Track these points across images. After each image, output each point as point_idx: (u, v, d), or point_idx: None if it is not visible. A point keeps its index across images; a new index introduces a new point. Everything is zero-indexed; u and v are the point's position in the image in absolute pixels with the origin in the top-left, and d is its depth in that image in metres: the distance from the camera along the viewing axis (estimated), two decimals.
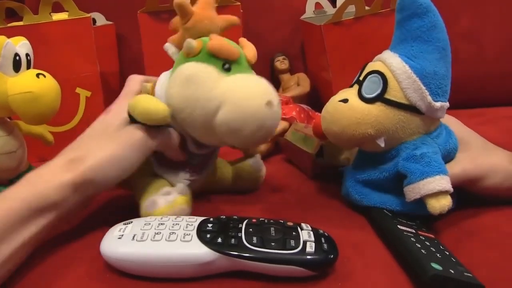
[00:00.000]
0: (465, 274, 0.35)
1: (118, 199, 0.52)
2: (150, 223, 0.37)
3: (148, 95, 0.44)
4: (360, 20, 0.74)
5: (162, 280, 0.36)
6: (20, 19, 0.71)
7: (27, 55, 0.53)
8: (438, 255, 0.37)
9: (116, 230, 0.37)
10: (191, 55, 0.43)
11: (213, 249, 0.34)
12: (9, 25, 0.71)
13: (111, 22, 0.86)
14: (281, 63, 0.83)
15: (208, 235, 0.35)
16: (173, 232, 0.35)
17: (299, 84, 0.79)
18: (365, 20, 0.74)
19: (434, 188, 0.39)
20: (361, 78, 0.44)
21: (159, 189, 0.44)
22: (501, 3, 0.86)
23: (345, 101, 0.43)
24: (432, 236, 0.41)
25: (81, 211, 0.43)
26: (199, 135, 0.44)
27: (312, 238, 0.36)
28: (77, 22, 0.71)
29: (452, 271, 0.34)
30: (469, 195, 0.45)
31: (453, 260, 0.37)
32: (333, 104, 0.45)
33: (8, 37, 0.53)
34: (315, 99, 0.79)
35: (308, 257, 0.35)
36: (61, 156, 0.42)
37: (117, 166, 0.41)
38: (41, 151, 0.69)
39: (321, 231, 0.38)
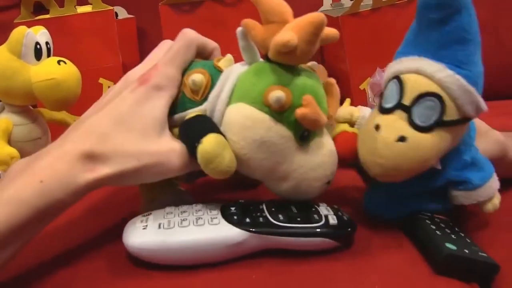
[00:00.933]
0: (480, 254, 0.35)
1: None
2: (171, 212, 0.37)
3: (225, 141, 0.35)
4: (377, 11, 0.74)
5: (192, 267, 0.35)
6: (47, 12, 0.73)
7: (46, 43, 0.55)
8: (453, 236, 0.37)
9: (137, 221, 0.36)
10: (277, 110, 0.35)
11: (244, 229, 0.35)
12: (36, 18, 0.73)
13: (132, 16, 0.88)
14: None
15: (235, 217, 0.36)
16: (199, 217, 0.35)
17: None
18: (382, 11, 0.74)
19: (491, 193, 0.39)
20: (406, 103, 0.36)
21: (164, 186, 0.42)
22: None
23: (402, 139, 0.36)
24: (447, 218, 0.41)
25: None
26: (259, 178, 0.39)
27: (332, 212, 0.37)
28: (100, 15, 0.73)
29: (467, 251, 0.35)
30: None
31: (467, 241, 0.37)
32: (388, 147, 0.36)
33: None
34: None
35: (332, 228, 0.36)
36: (79, 145, 0.34)
37: (138, 179, 0.36)
38: None
39: (336, 206, 0.40)
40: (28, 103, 0.56)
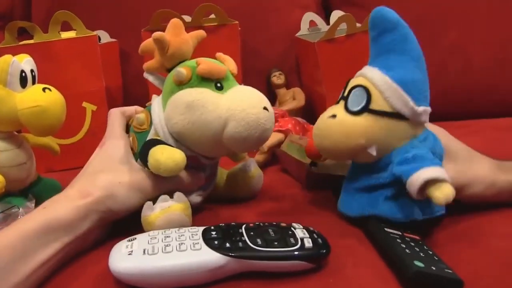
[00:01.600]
0: (446, 270, 0.37)
1: None
2: (155, 237, 0.39)
3: (163, 146, 0.46)
4: (352, 37, 0.78)
5: None
6: (31, 37, 0.75)
7: (31, 71, 0.56)
8: (421, 254, 0.39)
9: (122, 247, 0.38)
10: (183, 83, 0.46)
11: (224, 253, 0.36)
12: (20, 43, 0.74)
13: (114, 40, 0.89)
14: (278, 78, 0.86)
15: (216, 242, 0.37)
16: (182, 243, 0.37)
17: (294, 98, 0.82)
18: (356, 37, 0.77)
19: (432, 174, 0.40)
20: (345, 94, 0.47)
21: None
22: (488, 17, 0.90)
23: (333, 116, 0.46)
24: (418, 237, 0.43)
25: (99, 238, 0.46)
26: (208, 151, 0.49)
27: (307, 235, 0.40)
28: (84, 40, 0.75)
29: (434, 268, 0.37)
30: (457, 202, 0.46)
31: (435, 259, 0.39)
32: (323, 121, 0.47)
33: (18, 54, 0.56)
34: (310, 113, 0.83)
35: (308, 251, 0.38)
36: (73, 188, 0.45)
37: (123, 201, 0.45)
38: (48, 162, 0.72)
39: (311, 228, 0.42)
40: (13, 129, 0.57)
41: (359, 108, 0.45)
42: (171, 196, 0.47)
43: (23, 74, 0.54)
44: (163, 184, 0.47)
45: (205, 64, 0.46)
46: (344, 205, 0.50)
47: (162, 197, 0.46)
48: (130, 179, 0.46)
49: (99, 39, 0.86)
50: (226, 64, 0.50)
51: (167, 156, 0.44)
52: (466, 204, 0.48)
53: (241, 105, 0.45)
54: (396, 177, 0.44)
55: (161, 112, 0.48)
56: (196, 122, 0.46)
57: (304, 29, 0.87)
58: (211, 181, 0.54)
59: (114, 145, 0.49)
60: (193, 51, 0.51)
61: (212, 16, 0.78)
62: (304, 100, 0.82)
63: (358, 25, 0.78)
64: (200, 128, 0.46)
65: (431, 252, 0.41)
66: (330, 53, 0.76)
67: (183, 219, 0.45)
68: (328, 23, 0.88)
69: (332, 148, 0.47)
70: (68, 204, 0.42)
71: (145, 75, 0.52)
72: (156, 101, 0.50)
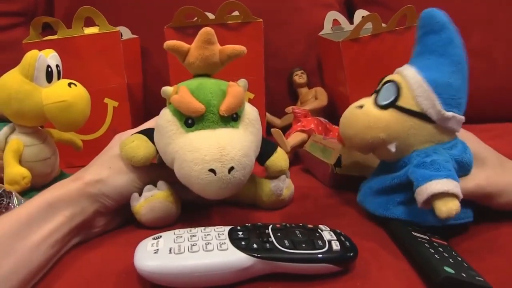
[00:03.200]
0: (477, 278, 0.37)
1: None
2: (181, 236, 0.38)
3: (132, 138, 0.48)
4: (377, 37, 0.76)
5: None
6: (55, 33, 0.75)
7: (57, 66, 0.56)
8: (450, 260, 0.39)
9: (148, 245, 0.38)
10: (168, 102, 0.46)
11: (251, 254, 0.36)
12: (44, 38, 0.75)
13: (136, 36, 0.89)
14: (300, 77, 0.86)
15: (243, 242, 0.37)
16: (208, 242, 0.37)
17: (316, 97, 0.82)
18: (382, 37, 0.76)
19: (442, 188, 0.40)
20: (378, 88, 0.47)
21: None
22: None
23: (360, 107, 0.47)
24: (446, 243, 0.43)
25: (108, 228, 0.48)
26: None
27: (334, 237, 0.39)
28: (106, 36, 0.75)
29: (464, 275, 0.36)
30: (487, 208, 0.46)
31: (465, 265, 0.39)
32: (350, 109, 0.48)
33: (42, 49, 0.56)
34: (332, 113, 0.82)
35: (335, 254, 0.38)
36: (72, 176, 0.48)
37: (112, 184, 0.47)
38: (70, 158, 0.73)
39: (338, 231, 0.41)
40: (38, 124, 0.58)
41: (386, 102, 0.45)
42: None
43: (49, 69, 0.55)
44: (153, 170, 0.49)
45: (180, 96, 0.44)
46: (363, 201, 0.50)
47: (147, 187, 0.48)
48: (119, 164, 0.48)
49: (121, 35, 0.87)
50: (224, 100, 0.44)
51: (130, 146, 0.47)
52: (496, 212, 0.47)
53: (187, 155, 0.42)
54: (409, 179, 0.43)
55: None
56: (158, 144, 0.46)
57: (327, 28, 0.86)
58: None
59: (118, 138, 0.52)
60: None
61: (236, 13, 0.77)
62: (326, 100, 0.81)
63: (383, 25, 0.77)
64: (160, 151, 0.46)
65: (460, 259, 0.40)
66: (355, 53, 0.75)
67: (167, 205, 0.47)
68: (351, 22, 0.87)
69: (353, 137, 0.47)
70: (63, 187, 0.45)
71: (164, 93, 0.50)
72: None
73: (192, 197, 0.47)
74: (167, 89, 0.46)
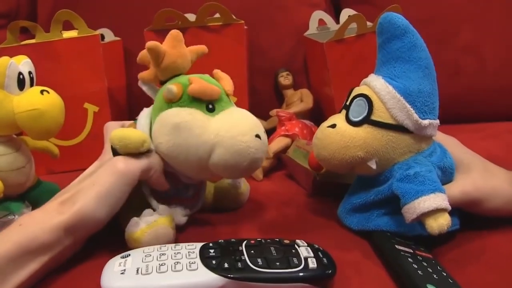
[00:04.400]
0: None
1: None
2: (150, 254, 0.37)
3: (129, 129, 0.45)
4: (362, 37, 0.75)
5: None
6: (33, 37, 0.73)
7: (29, 73, 0.55)
8: (435, 276, 0.37)
9: (115, 264, 0.36)
10: (173, 101, 0.44)
11: (222, 274, 0.35)
12: (22, 43, 0.73)
13: (118, 38, 0.88)
14: (285, 78, 0.84)
15: (214, 261, 0.36)
16: (177, 262, 0.36)
17: (302, 100, 0.80)
18: (367, 38, 0.74)
19: (430, 205, 0.39)
20: (348, 103, 0.45)
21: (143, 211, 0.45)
22: (502, 16, 0.87)
23: (333, 126, 0.44)
24: (430, 256, 0.41)
25: (74, 253, 0.43)
26: (194, 174, 0.47)
27: (311, 254, 0.38)
28: (86, 40, 0.73)
29: None
30: (473, 215, 0.45)
31: (450, 282, 0.37)
32: (322, 130, 0.46)
33: (20, 54, 0.55)
34: (318, 115, 0.80)
35: (312, 272, 0.36)
36: (54, 200, 0.43)
37: (105, 202, 0.41)
38: (49, 164, 0.71)
39: (316, 246, 0.40)
40: (11, 133, 0.56)
41: (359, 118, 0.43)
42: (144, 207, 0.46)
43: (21, 76, 0.53)
44: (137, 167, 0.44)
45: (197, 83, 0.44)
46: (344, 217, 0.48)
47: (147, 211, 0.45)
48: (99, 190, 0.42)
49: (103, 37, 0.85)
50: (222, 83, 0.47)
51: (134, 132, 0.44)
52: (484, 217, 0.46)
53: (231, 131, 0.43)
54: (394, 194, 0.42)
55: (146, 128, 0.46)
56: (181, 145, 0.43)
57: (313, 28, 0.84)
58: (197, 201, 0.51)
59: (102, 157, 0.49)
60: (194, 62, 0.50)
61: (217, 15, 0.76)
62: (312, 102, 0.79)
63: (369, 24, 0.75)
64: (185, 151, 0.43)
65: (445, 274, 0.38)
66: (339, 54, 0.74)
67: (170, 232, 0.44)
68: (338, 21, 0.85)
69: (330, 159, 0.44)
70: (46, 223, 0.39)
71: (140, 84, 0.49)
72: (144, 116, 0.47)
73: (181, 220, 0.48)
74: (173, 87, 0.43)
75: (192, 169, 0.45)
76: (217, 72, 0.49)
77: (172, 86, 0.43)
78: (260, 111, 0.83)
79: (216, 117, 0.44)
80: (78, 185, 0.44)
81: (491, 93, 0.87)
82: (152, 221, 0.43)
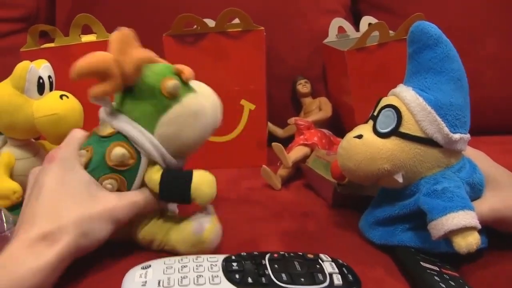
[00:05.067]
0: None
1: None
2: (171, 266, 0.36)
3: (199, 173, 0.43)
4: (384, 46, 0.73)
5: None
6: (52, 41, 0.73)
7: (49, 77, 0.55)
8: None
9: (136, 276, 0.35)
10: (177, 94, 0.42)
11: None
12: (41, 46, 0.73)
13: None
14: (303, 86, 0.83)
15: (237, 275, 0.35)
16: (200, 275, 0.34)
17: (321, 108, 0.79)
18: (389, 46, 0.73)
19: (459, 223, 0.37)
20: (375, 114, 0.44)
21: (189, 217, 0.44)
22: None
23: (359, 137, 0.43)
24: (457, 275, 0.40)
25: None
26: (195, 148, 0.45)
27: (336, 270, 0.36)
28: (104, 44, 0.72)
29: None
30: (503, 233, 0.44)
31: None
32: (347, 140, 0.44)
33: (40, 57, 0.55)
34: (337, 124, 0.79)
35: None
36: (30, 231, 0.37)
37: (92, 238, 0.39)
38: None
39: (341, 261, 0.38)
40: (30, 137, 0.56)
41: (387, 130, 0.42)
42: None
43: (41, 80, 0.53)
44: (135, 208, 0.42)
45: (183, 67, 0.43)
46: (367, 231, 0.47)
47: (198, 213, 0.44)
48: (100, 209, 0.40)
49: None
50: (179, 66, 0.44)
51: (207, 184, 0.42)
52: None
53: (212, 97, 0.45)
54: (420, 209, 0.41)
55: (150, 136, 0.42)
56: (200, 129, 0.44)
57: (332, 36, 0.83)
58: None
59: (72, 169, 0.41)
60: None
61: (236, 21, 0.75)
62: (331, 111, 0.78)
63: (391, 33, 0.74)
64: (202, 134, 0.44)
65: None
66: (361, 63, 0.72)
67: (220, 229, 0.44)
68: (357, 29, 0.84)
69: (355, 170, 0.43)
70: (34, 261, 0.35)
71: (93, 100, 0.43)
72: (133, 131, 0.42)
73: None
74: (176, 83, 0.42)
75: (199, 144, 0.45)
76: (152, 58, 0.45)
77: (173, 81, 0.41)
78: (277, 119, 0.83)
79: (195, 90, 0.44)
80: (55, 209, 0.39)
81: None
82: (212, 220, 0.43)
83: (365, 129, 0.44)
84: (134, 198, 0.42)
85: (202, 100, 0.44)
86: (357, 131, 0.44)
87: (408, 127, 0.41)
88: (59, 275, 0.37)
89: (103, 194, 0.41)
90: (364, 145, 0.42)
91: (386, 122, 0.42)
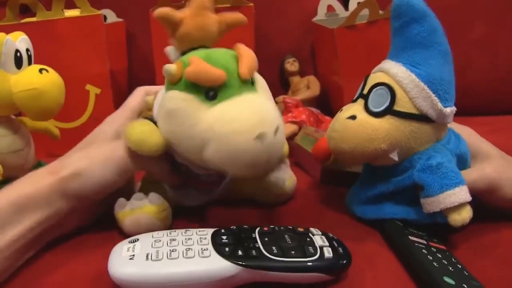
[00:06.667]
0: None
1: None
2: (160, 240, 0.35)
3: (145, 122, 0.40)
4: (374, 24, 0.73)
5: None
6: (33, 15, 0.71)
7: (27, 50, 0.52)
8: (450, 268, 0.36)
9: (123, 249, 0.35)
10: (173, 82, 0.38)
11: (235, 262, 0.33)
12: (22, 21, 0.71)
13: (121, 19, 0.85)
14: (291, 65, 0.82)
15: (227, 248, 0.34)
16: (189, 248, 0.34)
17: (309, 87, 0.78)
18: (379, 24, 0.73)
19: (455, 201, 0.38)
20: (365, 92, 0.43)
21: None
22: None
23: (353, 117, 0.42)
24: (444, 247, 0.40)
25: (78, 221, 0.43)
26: (197, 165, 0.41)
27: (327, 243, 0.36)
28: (88, 19, 0.71)
29: (466, 286, 0.34)
30: (488, 208, 0.44)
31: (465, 274, 0.36)
32: (340, 121, 0.43)
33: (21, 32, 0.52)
34: (325, 103, 0.79)
35: (327, 262, 0.34)
36: (48, 166, 0.42)
37: (92, 178, 0.40)
38: (49, 147, 0.69)
39: (331, 235, 0.38)
40: (9, 113, 0.54)
41: (381, 109, 0.41)
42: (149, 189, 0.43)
43: (18, 53, 0.51)
44: (143, 163, 0.42)
45: (196, 66, 0.37)
46: (355, 207, 0.47)
47: (137, 194, 0.42)
48: (103, 153, 0.41)
49: (105, 18, 0.82)
50: (240, 62, 0.38)
51: (149, 136, 0.39)
52: (499, 212, 0.44)
53: (226, 127, 0.36)
54: (415, 183, 0.41)
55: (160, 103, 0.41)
56: (174, 133, 0.39)
57: (321, 14, 0.82)
58: (216, 188, 0.45)
59: (107, 121, 0.46)
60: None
61: None
62: (319, 90, 0.77)
63: (380, 12, 0.73)
64: (177, 139, 0.39)
65: (460, 266, 0.37)
66: (350, 41, 0.72)
67: (154, 223, 0.41)
68: (347, 8, 0.83)
69: (350, 152, 0.42)
70: (37, 181, 0.40)
71: (168, 50, 0.43)
72: (162, 88, 0.42)
73: (194, 203, 0.45)
74: (170, 67, 0.38)
75: (194, 160, 0.40)
76: (239, 47, 0.40)
77: (171, 66, 0.38)
78: None
79: (216, 107, 0.37)
80: (73, 153, 0.44)
81: (502, 86, 0.86)
82: (136, 207, 0.41)
83: (356, 109, 0.43)
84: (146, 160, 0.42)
85: (181, 104, 0.38)
86: (349, 111, 0.43)
87: (402, 104, 0.40)
88: (70, 208, 0.40)
89: (114, 142, 0.43)
90: (360, 126, 0.41)
91: (378, 100, 0.41)
